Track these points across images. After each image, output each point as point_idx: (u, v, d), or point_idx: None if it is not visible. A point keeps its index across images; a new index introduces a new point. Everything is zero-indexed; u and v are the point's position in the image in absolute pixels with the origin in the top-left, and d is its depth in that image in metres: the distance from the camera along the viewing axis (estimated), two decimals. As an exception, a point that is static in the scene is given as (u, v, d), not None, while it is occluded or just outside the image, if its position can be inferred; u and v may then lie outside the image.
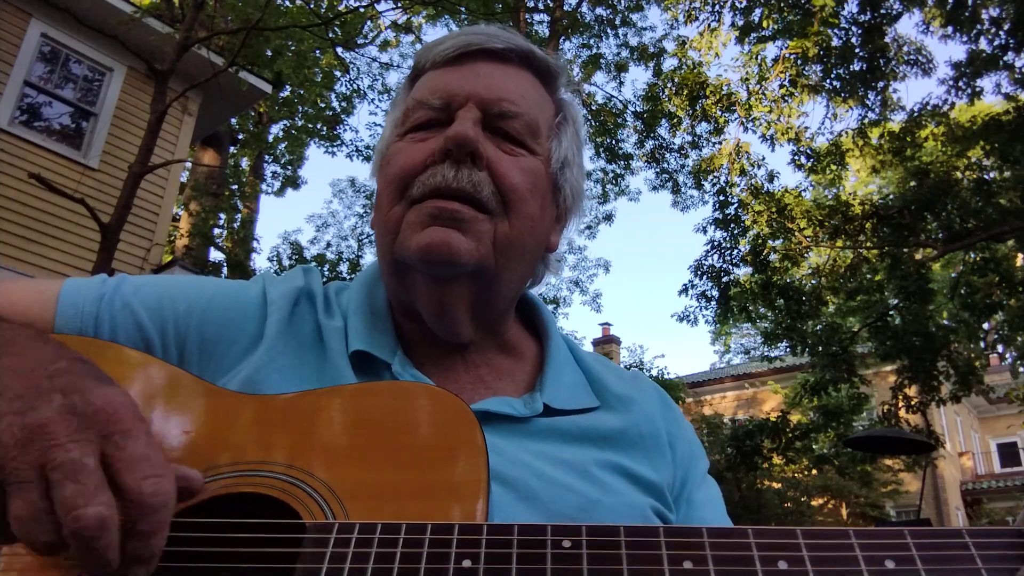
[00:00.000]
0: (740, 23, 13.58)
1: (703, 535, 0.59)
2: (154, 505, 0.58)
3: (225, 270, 14.29)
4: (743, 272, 13.54)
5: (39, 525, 0.55)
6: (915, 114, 12.98)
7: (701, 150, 15.28)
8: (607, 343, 25.93)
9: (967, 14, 11.89)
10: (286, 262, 14.16)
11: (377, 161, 0.98)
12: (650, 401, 0.98)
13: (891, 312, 13.00)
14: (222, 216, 14.32)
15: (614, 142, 17.12)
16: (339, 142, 17.55)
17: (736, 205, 13.50)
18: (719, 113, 13.92)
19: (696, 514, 0.93)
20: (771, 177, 13.74)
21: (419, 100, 0.92)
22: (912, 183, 12.78)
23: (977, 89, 12.38)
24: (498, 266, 0.87)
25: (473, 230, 0.85)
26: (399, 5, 11.82)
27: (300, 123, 17.67)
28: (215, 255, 14.67)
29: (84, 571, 0.59)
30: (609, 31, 16.93)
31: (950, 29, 12.35)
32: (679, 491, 0.94)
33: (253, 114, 16.52)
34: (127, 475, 0.58)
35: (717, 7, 13.59)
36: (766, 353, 15.74)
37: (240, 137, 17.03)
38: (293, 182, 19.25)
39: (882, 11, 12.48)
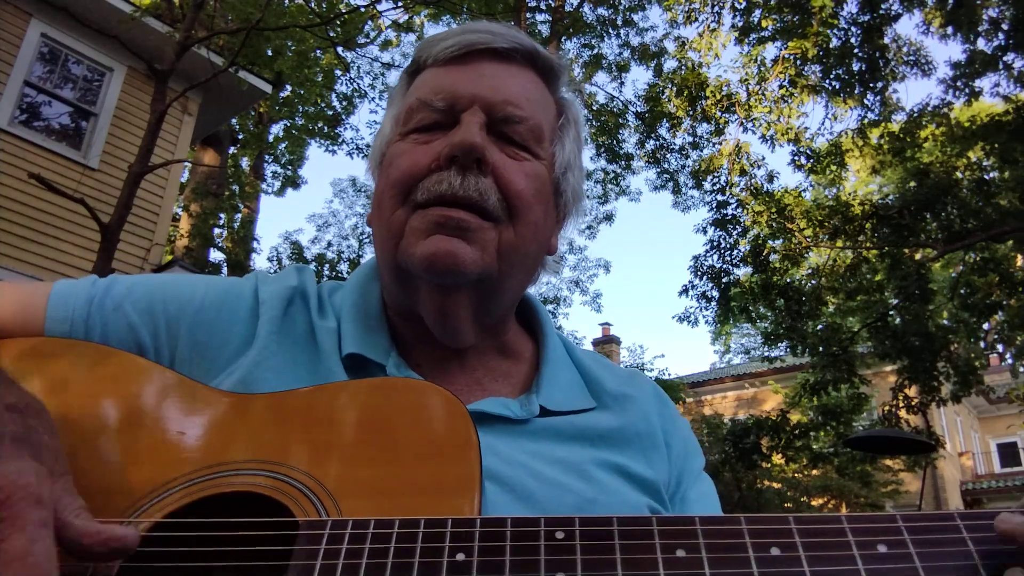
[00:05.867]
0: (740, 24, 13.59)
1: (696, 523, 0.59)
2: None
3: (225, 270, 14.30)
4: (743, 272, 13.56)
5: None
6: (915, 114, 12.99)
7: (701, 150, 15.30)
8: (607, 343, 25.94)
9: (966, 11, 11.88)
10: (286, 262, 14.16)
11: (376, 158, 0.97)
12: (646, 399, 0.98)
13: (891, 312, 12.99)
14: (222, 216, 14.32)
15: (615, 142, 17.13)
16: (340, 140, 17.57)
17: (736, 205, 13.50)
18: (719, 114, 13.92)
19: (691, 511, 0.92)
20: (771, 177, 13.75)
21: (422, 100, 0.90)
22: (912, 183, 12.78)
23: (976, 90, 12.39)
24: (501, 273, 0.86)
25: (478, 239, 0.83)
26: (400, 5, 11.82)
27: (300, 123, 17.69)
28: (215, 255, 14.70)
29: None
30: (611, 31, 16.93)
31: (950, 29, 12.35)
32: (675, 488, 0.94)
33: (253, 114, 16.53)
34: None
35: (717, 8, 13.61)
36: (766, 353, 15.72)
37: (240, 137, 17.04)
38: (293, 182, 19.28)
39: (882, 11, 12.48)
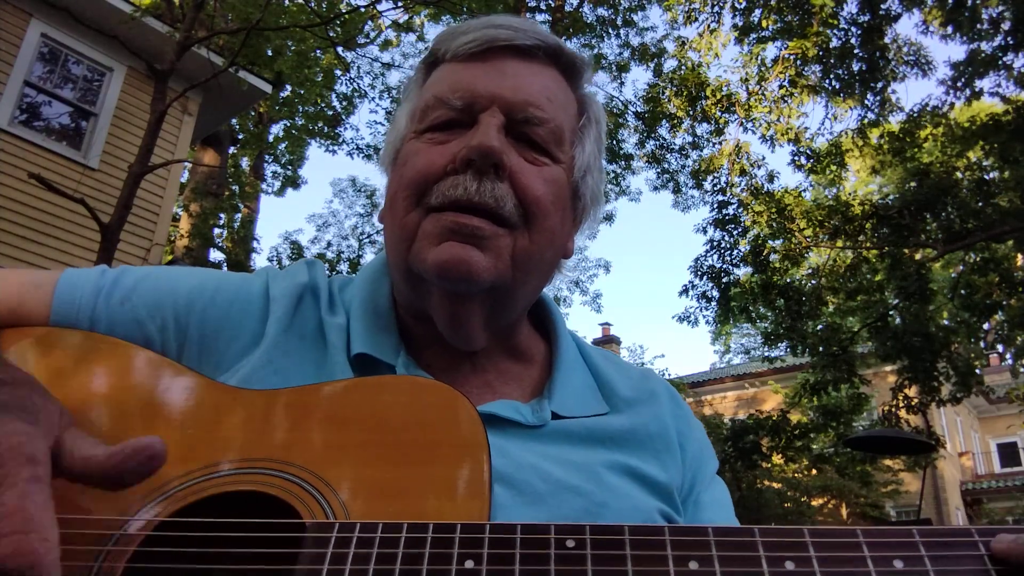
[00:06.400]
0: (740, 24, 13.58)
1: (708, 534, 0.58)
2: (9, 567, 0.52)
3: (225, 270, 14.24)
4: (743, 272, 13.56)
5: None
6: (915, 115, 12.99)
7: (701, 150, 15.28)
8: (607, 343, 25.98)
9: (967, 14, 11.89)
10: (286, 262, 14.16)
11: (390, 154, 0.94)
12: (660, 400, 0.96)
13: (891, 312, 13.00)
14: (222, 216, 14.29)
15: (615, 142, 17.12)
16: (340, 140, 17.56)
17: (736, 205, 13.50)
18: (719, 114, 13.91)
19: (703, 515, 0.91)
20: (771, 177, 13.75)
21: (439, 97, 0.86)
22: (912, 183, 12.78)
23: (976, 90, 12.40)
24: (516, 281, 0.84)
25: (492, 246, 0.81)
26: (400, 5, 11.81)
27: (300, 123, 17.67)
28: (215, 255, 14.68)
29: None
30: (610, 31, 16.92)
31: (950, 29, 12.35)
32: (688, 492, 0.92)
33: (253, 114, 16.51)
34: None
35: (717, 8, 13.60)
36: (766, 353, 15.72)
37: (240, 137, 17.01)
38: (293, 182, 19.25)
39: (881, 11, 12.48)
